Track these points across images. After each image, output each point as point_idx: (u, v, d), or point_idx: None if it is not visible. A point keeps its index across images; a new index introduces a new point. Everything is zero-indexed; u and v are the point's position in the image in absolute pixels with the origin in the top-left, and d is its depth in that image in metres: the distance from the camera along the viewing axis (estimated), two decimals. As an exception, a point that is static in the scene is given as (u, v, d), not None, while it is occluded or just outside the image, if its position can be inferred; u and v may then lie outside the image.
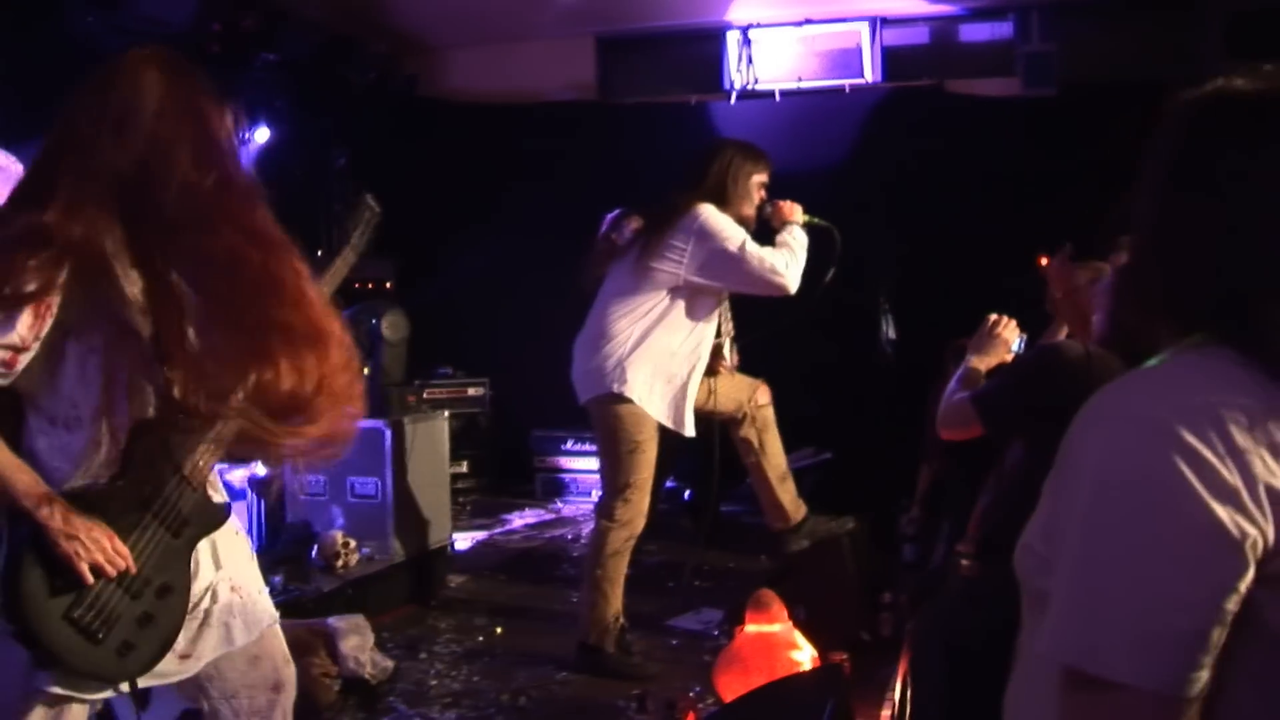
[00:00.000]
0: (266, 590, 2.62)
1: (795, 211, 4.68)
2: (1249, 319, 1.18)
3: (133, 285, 2.22)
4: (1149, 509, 1.13)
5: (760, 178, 4.67)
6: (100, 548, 2.19)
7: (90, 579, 2.19)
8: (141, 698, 2.37)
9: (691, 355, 4.61)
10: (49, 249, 2.14)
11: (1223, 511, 1.10)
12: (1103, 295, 2.81)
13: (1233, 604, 1.11)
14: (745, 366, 5.17)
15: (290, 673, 2.62)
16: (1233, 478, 1.10)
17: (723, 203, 4.54)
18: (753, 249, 4.44)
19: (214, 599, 2.44)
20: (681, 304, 4.53)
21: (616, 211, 6.58)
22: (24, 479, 2.15)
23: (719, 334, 4.83)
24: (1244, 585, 1.11)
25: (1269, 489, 1.11)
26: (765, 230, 4.72)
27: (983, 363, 3.27)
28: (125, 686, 2.31)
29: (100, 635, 2.22)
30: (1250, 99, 1.28)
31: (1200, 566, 1.11)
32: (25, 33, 5.86)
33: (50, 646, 2.17)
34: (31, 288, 2.12)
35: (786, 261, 4.49)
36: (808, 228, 4.70)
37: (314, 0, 7.63)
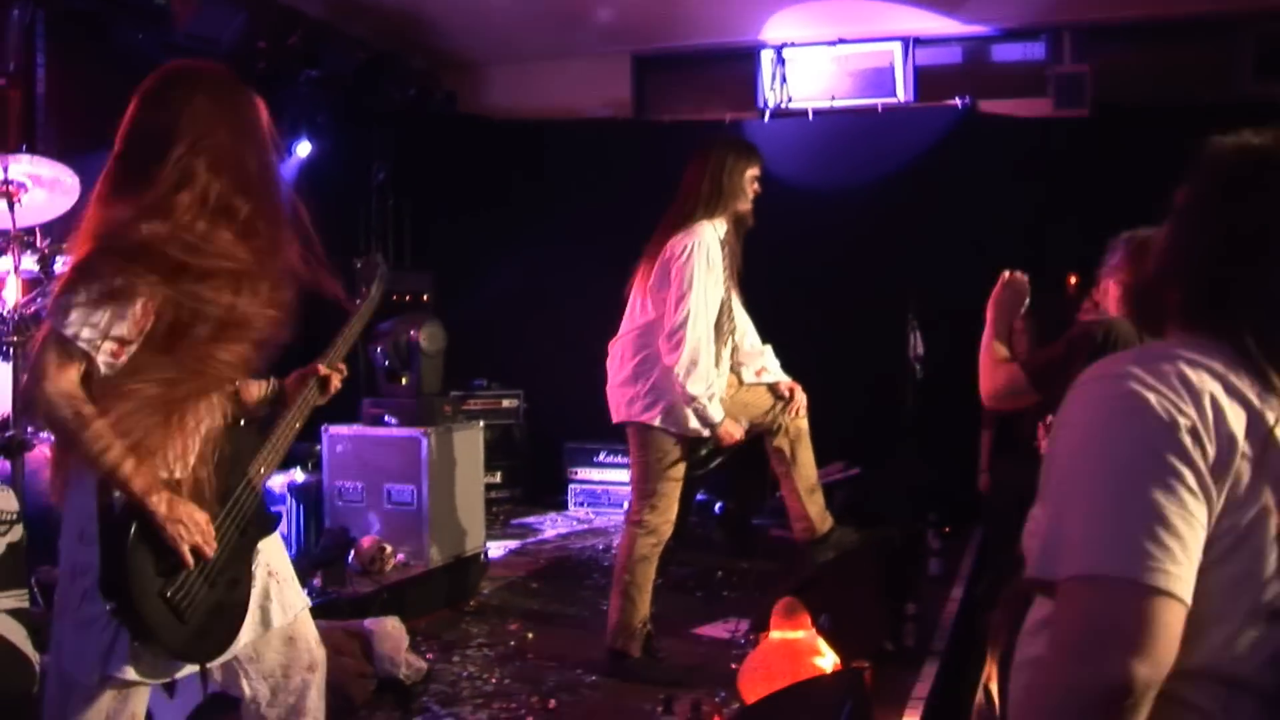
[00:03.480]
0: (296, 578, 2.77)
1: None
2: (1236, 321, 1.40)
3: (207, 286, 2.39)
4: (1109, 437, 1.33)
5: (753, 171, 4.74)
6: (200, 530, 2.37)
7: (191, 561, 2.36)
8: (170, 686, 2.53)
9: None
10: (162, 255, 2.33)
11: (1171, 433, 1.29)
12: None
13: (1186, 503, 1.28)
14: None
15: (322, 654, 2.77)
16: (1186, 406, 1.30)
17: (719, 199, 4.63)
18: (691, 325, 4.47)
19: (252, 583, 2.60)
20: None
21: None
22: (131, 466, 2.31)
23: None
24: (1190, 487, 1.28)
25: (1218, 424, 1.30)
26: (758, 224, 4.80)
27: (1002, 318, 3.38)
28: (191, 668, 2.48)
29: (187, 617, 2.38)
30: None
31: (1153, 468, 1.29)
32: (77, 51, 6.04)
33: (148, 622, 2.33)
34: (141, 288, 2.31)
35: (701, 371, 4.50)
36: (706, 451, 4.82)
37: (356, 19, 7.80)
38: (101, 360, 2.29)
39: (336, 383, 2.88)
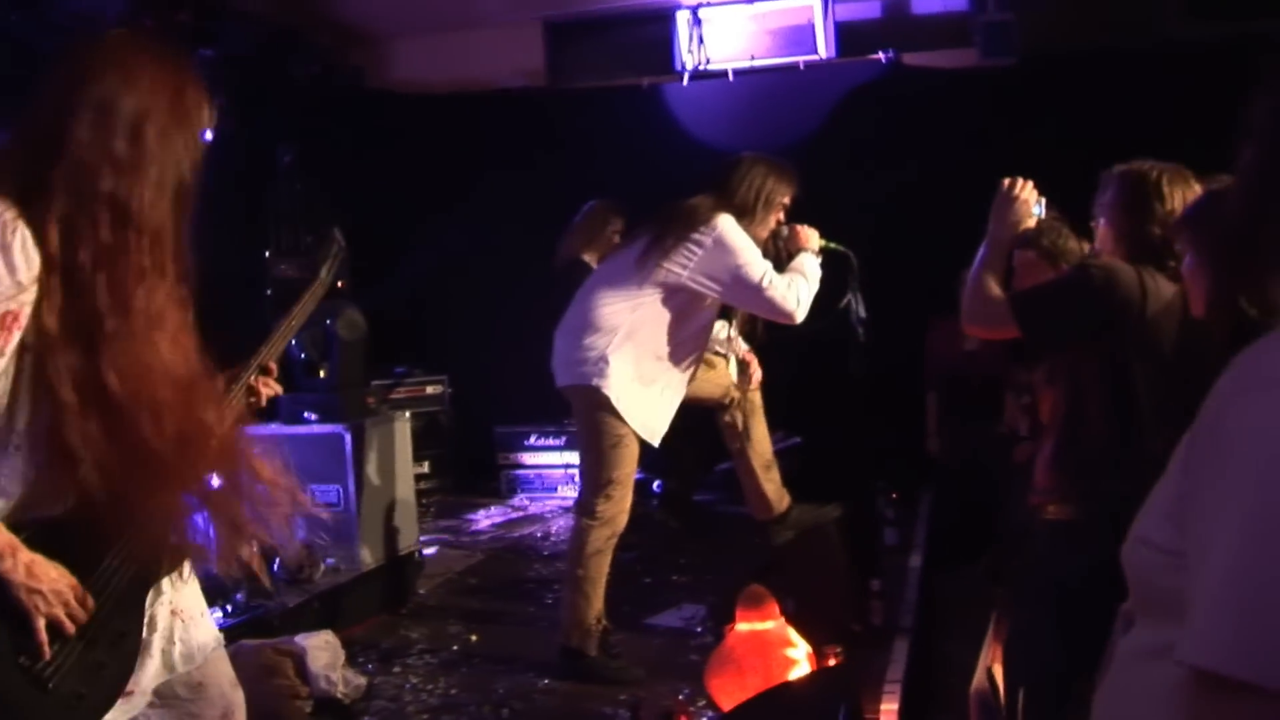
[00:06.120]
0: (209, 612, 2.42)
1: (811, 239, 4.53)
2: None
3: (87, 296, 2.01)
4: None
5: (785, 201, 4.49)
6: (63, 601, 1.99)
7: (45, 639, 1.98)
8: None
9: (676, 366, 4.43)
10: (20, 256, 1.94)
11: None
12: (1189, 270, 2.60)
13: None
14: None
15: (239, 698, 2.42)
16: None
17: (743, 218, 4.36)
18: (771, 279, 4.28)
19: (153, 626, 2.24)
20: (676, 309, 4.34)
21: (591, 203, 6.44)
22: None
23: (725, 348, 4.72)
24: None
25: None
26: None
27: (1004, 232, 3.11)
28: None
29: (51, 684, 2.01)
30: None
31: None
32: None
33: None
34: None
35: (799, 295, 4.35)
36: (823, 252, 4.54)
37: (251, -8, 7.40)
38: None
39: (270, 389, 2.50)
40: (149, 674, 2.21)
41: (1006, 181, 3.19)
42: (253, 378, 2.45)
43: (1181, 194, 2.87)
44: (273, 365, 2.52)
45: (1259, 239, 1.14)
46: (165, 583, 2.25)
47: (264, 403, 2.50)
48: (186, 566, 2.38)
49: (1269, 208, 1.14)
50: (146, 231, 2.05)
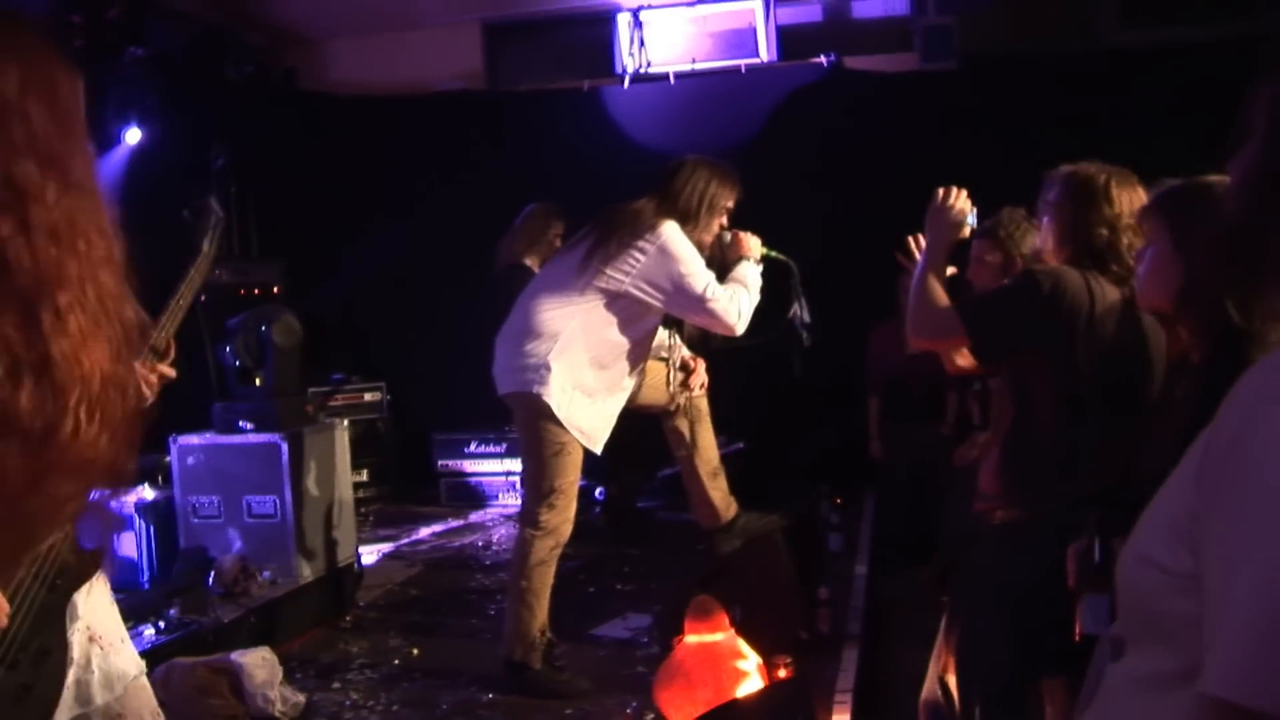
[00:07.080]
0: (129, 639, 2.28)
1: (754, 246, 4.44)
2: None
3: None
4: None
5: (728, 205, 4.41)
6: None
7: None
8: None
9: (619, 373, 4.35)
10: None
11: None
12: (1158, 260, 2.53)
13: None
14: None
15: None
16: None
17: (686, 223, 4.27)
18: (713, 290, 4.20)
19: (69, 649, 2.11)
20: (618, 315, 4.24)
21: (532, 206, 6.35)
22: None
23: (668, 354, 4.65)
24: None
25: None
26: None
27: (941, 241, 3.08)
28: None
29: None
30: None
31: None
32: None
33: None
34: None
35: (740, 307, 4.26)
36: (764, 260, 4.47)
37: (183, -10, 7.25)
38: None
39: (166, 371, 2.32)
40: (64, 704, 2.08)
41: (941, 191, 3.15)
42: (144, 363, 2.27)
43: (1128, 197, 2.85)
44: (171, 343, 2.37)
45: (1267, 243, 1.07)
46: (80, 604, 2.12)
47: (158, 389, 2.31)
48: (107, 590, 2.26)
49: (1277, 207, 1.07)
50: (53, 218, 1.87)
